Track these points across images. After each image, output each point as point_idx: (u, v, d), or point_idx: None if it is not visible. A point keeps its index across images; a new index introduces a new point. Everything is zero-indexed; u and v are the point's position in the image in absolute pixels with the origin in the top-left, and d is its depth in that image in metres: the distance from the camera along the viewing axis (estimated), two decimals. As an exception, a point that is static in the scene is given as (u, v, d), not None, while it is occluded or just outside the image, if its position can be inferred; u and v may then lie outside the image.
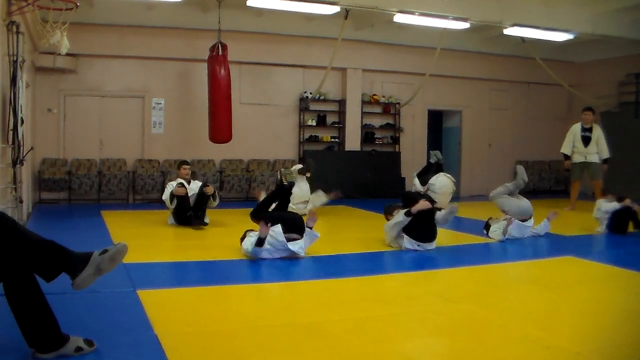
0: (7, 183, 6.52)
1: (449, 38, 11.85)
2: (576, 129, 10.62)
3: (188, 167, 8.48)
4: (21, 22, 6.73)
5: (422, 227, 6.34)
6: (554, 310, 4.29)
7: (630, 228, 7.95)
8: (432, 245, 6.45)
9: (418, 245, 6.33)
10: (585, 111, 10.63)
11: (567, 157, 10.76)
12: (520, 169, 7.85)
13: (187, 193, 7.98)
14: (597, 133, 10.45)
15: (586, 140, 10.44)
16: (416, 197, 6.75)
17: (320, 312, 4.26)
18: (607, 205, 8.05)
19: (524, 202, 7.52)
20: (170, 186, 8.13)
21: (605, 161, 10.45)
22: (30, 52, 9.05)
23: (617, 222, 7.88)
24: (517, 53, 13.21)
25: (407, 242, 6.32)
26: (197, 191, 8.11)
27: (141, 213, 9.98)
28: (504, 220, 7.25)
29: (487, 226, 7.44)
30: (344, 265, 5.78)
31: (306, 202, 9.61)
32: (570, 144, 10.66)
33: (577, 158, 10.62)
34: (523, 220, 7.33)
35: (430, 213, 6.41)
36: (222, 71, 10.26)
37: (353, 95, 12.83)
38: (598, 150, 10.41)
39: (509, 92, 14.47)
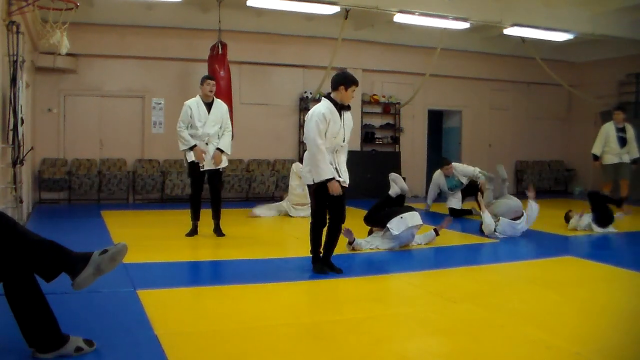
0: (7, 183, 6.52)
1: (449, 38, 11.85)
2: (609, 129, 10.13)
3: (213, 82, 7.18)
4: (21, 22, 6.73)
5: (392, 208, 6.60)
6: (554, 310, 4.29)
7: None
8: (415, 215, 6.55)
9: (401, 218, 6.37)
10: (616, 110, 10.22)
11: (596, 157, 10.27)
12: (500, 167, 8.15)
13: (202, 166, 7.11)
14: (631, 133, 10.03)
15: (622, 141, 9.99)
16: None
17: (320, 312, 4.26)
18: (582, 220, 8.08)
19: (513, 201, 7.78)
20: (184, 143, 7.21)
21: (635, 161, 10.04)
22: (30, 52, 9.05)
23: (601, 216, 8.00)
24: (517, 53, 13.20)
25: (391, 224, 6.35)
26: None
27: (141, 213, 9.98)
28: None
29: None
30: (343, 265, 5.77)
31: (305, 204, 9.52)
32: (602, 144, 10.16)
33: (611, 159, 10.11)
34: (515, 219, 7.44)
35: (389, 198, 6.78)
36: (222, 70, 10.27)
37: (353, 95, 12.81)
38: (629, 149, 10.00)
39: (509, 92, 14.47)
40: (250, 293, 4.69)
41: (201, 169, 7.02)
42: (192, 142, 6.99)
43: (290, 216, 9.38)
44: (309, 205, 9.22)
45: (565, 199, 12.58)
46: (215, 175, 7.12)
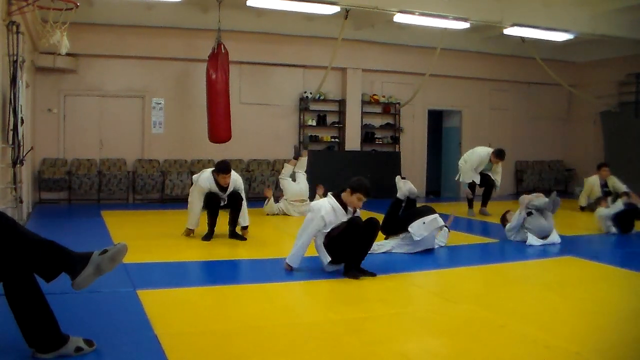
0: (7, 183, 6.52)
1: (449, 38, 11.85)
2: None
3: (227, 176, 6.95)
4: (21, 22, 6.73)
5: (411, 210, 6.52)
6: (554, 310, 4.29)
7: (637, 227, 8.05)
8: (437, 218, 6.36)
9: (424, 223, 6.22)
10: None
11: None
12: (556, 202, 7.20)
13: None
14: None
15: None
16: None
17: (320, 312, 4.26)
18: (606, 211, 8.13)
19: (547, 223, 7.05)
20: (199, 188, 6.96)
21: None
22: (30, 52, 9.05)
23: (622, 223, 7.96)
24: (517, 53, 13.21)
25: (412, 229, 6.19)
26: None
27: (141, 213, 9.98)
28: (519, 214, 7.12)
29: (503, 220, 7.42)
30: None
31: (303, 200, 9.59)
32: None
33: None
34: (540, 237, 7.01)
35: (398, 201, 6.55)
36: (220, 70, 10.27)
37: (353, 95, 12.83)
38: None
39: (509, 92, 14.47)
40: (250, 293, 4.69)
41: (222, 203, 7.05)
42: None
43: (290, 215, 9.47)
44: (307, 200, 9.52)
45: (565, 199, 12.54)
46: (234, 195, 7.04)
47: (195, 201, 6.95)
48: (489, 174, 10.02)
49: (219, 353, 3.26)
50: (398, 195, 6.52)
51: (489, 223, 8.82)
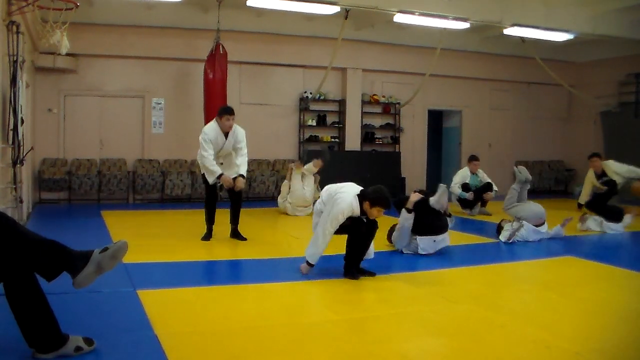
0: (7, 183, 6.52)
1: (449, 38, 11.85)
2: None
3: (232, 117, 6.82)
4: (21, 22, 6.73)
5: (429, 220, 6.28)
6: (554, 310, 4.30)
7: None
8: (446, 237, 6.37)
9: (434, 241, 6.25)
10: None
11: None
12: (522, 169, 7.77)
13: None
14: None
15: None
16: (404, 197, 6.69)
17: (320, 312, 4.26)
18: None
19: (537, 207, 7.50)
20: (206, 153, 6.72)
21: None
22: (30, 52, 9.05)
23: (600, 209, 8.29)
24: (517, 53, 13.21)
25: (421, 242, 6.25)
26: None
27: (141, 213, 9.98)
28: (516, 223, 7.28)
29: (499, 229, 7.42)
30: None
31: (307, 206, 9.58)
32: None
33: None
34: (538, 225, 7.29)
35: (426, 203, 6.34)
36: (217, 71, 10.27)
37: (353, 95, 12.83)
38: None
39: (509, 92, 14.47)
40: (250, 293, 4.69)
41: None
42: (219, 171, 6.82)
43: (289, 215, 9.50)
44: (310, 206, 9.54)
45: (565, 199, 12.58)
46: (235, 191, 6.95)
47: (208, 154, 6.70)
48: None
49: (219, 353, 3.26)
50: (431, 201, 6.40)
51: (489, 223, 8.81)
